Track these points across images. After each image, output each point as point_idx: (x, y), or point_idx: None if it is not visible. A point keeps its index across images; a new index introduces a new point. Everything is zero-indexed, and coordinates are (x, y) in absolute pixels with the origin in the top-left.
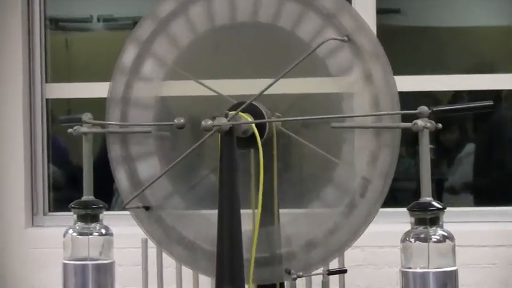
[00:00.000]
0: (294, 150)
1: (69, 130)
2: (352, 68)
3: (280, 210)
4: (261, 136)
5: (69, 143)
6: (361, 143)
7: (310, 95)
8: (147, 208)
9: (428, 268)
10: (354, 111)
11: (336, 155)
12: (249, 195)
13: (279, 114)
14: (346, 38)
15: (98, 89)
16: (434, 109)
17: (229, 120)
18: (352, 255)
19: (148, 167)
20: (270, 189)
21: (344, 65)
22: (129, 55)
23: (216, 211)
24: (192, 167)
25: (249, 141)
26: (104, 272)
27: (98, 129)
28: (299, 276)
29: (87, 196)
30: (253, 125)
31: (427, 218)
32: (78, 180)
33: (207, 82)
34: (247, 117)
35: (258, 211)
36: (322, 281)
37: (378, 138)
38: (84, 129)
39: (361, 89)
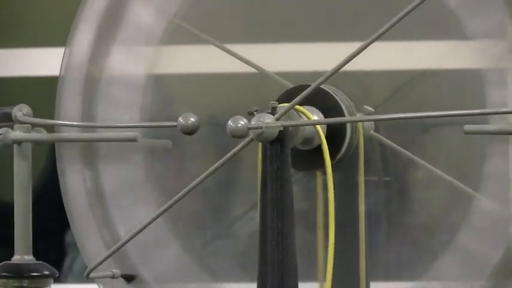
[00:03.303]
0: (397, 173)
1: None
2: (506, 25)
3: (372, 285)
4: (337, 149)
5: None
6: None
7: (427, 74)
8: (128, 278)
9: None
10: (508, 104)
11: (473, 182)
12: (315, 256)
13: (370, 109)
14: None
15: (40, 61)
16: None
17: (278, 119)
18: None
19: (132, 205)
20: (352, 246)
21: (491, 20)
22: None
23: (254, 286)
24: (213, 203)
25: (315, 157)
26: None
27: (43, 135)
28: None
29: (22, 255)
30: (319, 129)
31: None
32: (4, 227)
33: (237, 48)
34: (309, 115)
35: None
36: None
37: None
38: (17, 134)
39: None
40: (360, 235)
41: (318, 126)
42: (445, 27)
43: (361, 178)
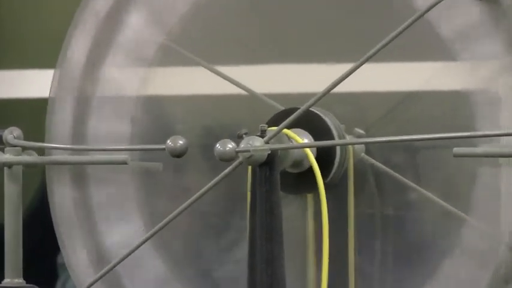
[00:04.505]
0: (389, 196)
1: None
2: (494, 47)
3: None
4: (327, 172)
5: None
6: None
7: (417, 95)
8: None
9: None
10: (500, 125)
11: (463, 205)
12: (304, 280)
13: (361, 132)
14: None
15: (31, 83)
16: None
17: (267, 142)
18: None
19: (123, 227)
20: (343, 267)
21: (479, 42)
22: (90, 20)
23: None
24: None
25: (305, 180)
26: None
27: (34, 158)
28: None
29: (12, 279)
30: (309, 152)
31: None
32: None
33: (228, 70)
34: (297, 139)
35: None
36: None
37: None
38: (8, 157)
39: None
40: (349, 257)
41: (308, 149)
42: (431, 48)
43: (351, 200)
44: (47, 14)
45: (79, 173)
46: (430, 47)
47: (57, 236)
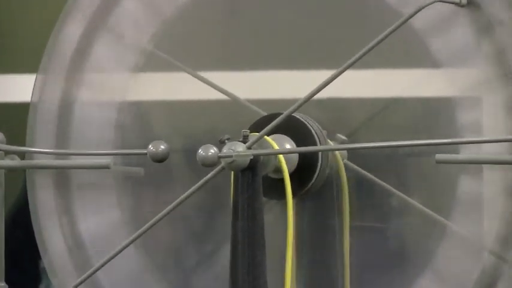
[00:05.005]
0: (370, 203)
1: None
2: (477, 55)
3: None
4: (309, 177)
5: None
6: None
7: (399, 102)
8: None
9: None
10: (481, 132)
11: (444, 211)
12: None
13: (343, 138)
14: (463, 0)
15: (12, 87)
16: None
17: (249, 148)
18: None
19: (104, 232)
20: (329, 274)
21: (462, 48)
22: (73, 26)
23: None
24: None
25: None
26: None
27: (16, 162)
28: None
29: None
30: (282, 160)
31: None
32: None
33: (212, 76)
34: (274, 145)
35: None
36: None
37: None
38: None
39: (494, 91)
40: (345, 259)
41: (282, 158)
42: (414, 54)
43: (346, 206)
44: (32, 21)
45: (61, 178)
46: (413, 53)
47: (37, 239)
